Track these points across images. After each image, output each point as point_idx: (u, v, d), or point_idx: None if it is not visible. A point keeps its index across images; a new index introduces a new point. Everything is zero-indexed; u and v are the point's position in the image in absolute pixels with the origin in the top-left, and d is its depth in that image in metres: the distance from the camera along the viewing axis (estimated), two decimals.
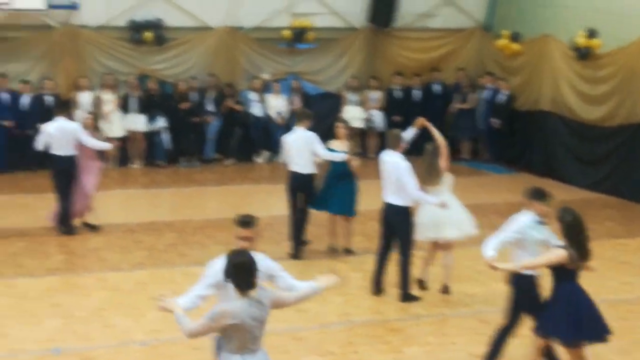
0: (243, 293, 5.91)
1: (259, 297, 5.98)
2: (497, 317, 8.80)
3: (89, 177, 13.49)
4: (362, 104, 20.18)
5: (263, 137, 19.73)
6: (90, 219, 13.74)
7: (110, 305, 10.36)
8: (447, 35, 20.97)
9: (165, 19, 19.06)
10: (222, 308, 5.92)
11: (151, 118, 18.83)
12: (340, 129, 12.53)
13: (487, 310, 10.29)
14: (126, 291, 10.88)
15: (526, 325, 8.37)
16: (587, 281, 7.97)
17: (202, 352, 8.69)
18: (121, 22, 18.89)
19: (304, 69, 20.38)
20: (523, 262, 7.89)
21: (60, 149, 13.19)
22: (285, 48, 20.15)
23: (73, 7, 18.43)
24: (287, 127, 19.00)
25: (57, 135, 13.18)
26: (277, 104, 19.66)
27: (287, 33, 19.74)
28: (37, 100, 18.02)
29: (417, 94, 20.60)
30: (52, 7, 18.16)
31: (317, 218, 12.93)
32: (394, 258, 10.81)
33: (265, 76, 19.89)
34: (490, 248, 8.07)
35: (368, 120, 20.04)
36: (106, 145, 13.82)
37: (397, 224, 10.60)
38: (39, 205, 14.76)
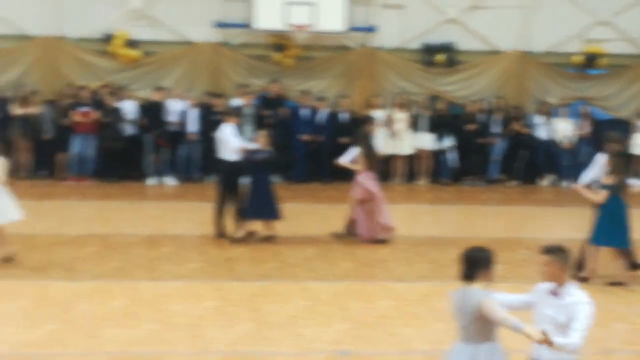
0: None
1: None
2: None
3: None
4: None
5: (548, 160, 19.77)
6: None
7: (395, 313, 10.89)
8: None
9: (458, 42, 19.62)
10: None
11: (439, 137, 19.45)
12: None
13: None
14: (410, 301, 11.39)
15: None
16: None
17: None
18: (415, 45, 19.70)
19: (593, 94, 20.21)
20: None
21: None
22: (575, 73, 20.09)
23: (370, 29, 19.47)
24: (572, 152, 18.96)
25: None
26: (564, 128, 19.63)
27: (578, 58, 19.72)
28: (332, 116, 19.16)
29: None
30: (351, 29, 19.30)
31: None
32: None
33: (553, 100, 19.92)
34: None
35: None
36: None
37: None
38: (330, 215, 15.77)
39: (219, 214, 14.20)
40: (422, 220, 16.58)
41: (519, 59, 19.91)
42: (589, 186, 12.49)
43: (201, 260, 13.08)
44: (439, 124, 19.47)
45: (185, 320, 10.43)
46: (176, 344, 9.71)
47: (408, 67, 19.82)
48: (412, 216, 16.89)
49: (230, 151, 13.91)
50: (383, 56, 19.74)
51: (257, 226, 14.28)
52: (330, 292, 11.70)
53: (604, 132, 17.98)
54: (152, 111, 18.70)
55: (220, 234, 14.19)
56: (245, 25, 19.31)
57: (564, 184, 19.57)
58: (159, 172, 18.89)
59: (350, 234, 14.38)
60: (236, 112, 14.92)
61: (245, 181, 13.99)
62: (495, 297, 6.55)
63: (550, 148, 19.66)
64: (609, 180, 12.06)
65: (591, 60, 19.78)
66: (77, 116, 18.24)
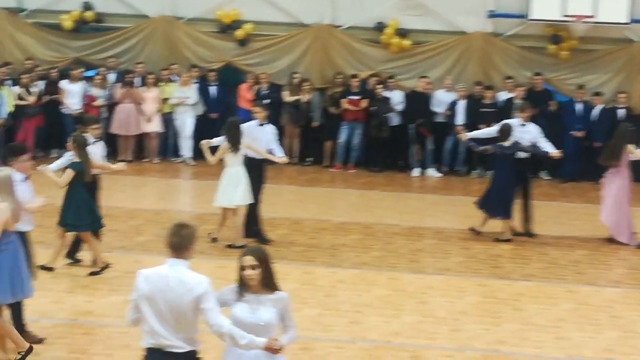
0: None
1: None
2: None
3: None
4: None
5: None
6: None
7: None
8: None
9: None
10: None
11: None
12: None
13: None
14: None
15: None
16: None
17: None
18: None
19: None
20: None
21: None
22: None
23: None
24: None
25: None
26: None
27: None
28: (608, 112, 18.21)
29: None
30: (634, 21, 18.22)
31: None
32: None
33: None
34: None
35: None
36: None
37: None
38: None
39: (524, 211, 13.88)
40: None
41: None
42: None
43: (464, 255, 12.80)
44: None
45: (445, 314, 10.24)
46: (436, 337, 9.53)
47: None
48: None
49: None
50: None
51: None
52: (600, 297, 11.09)
53: None
54: (417, 101, 18.58)
55: (527, 233, 13.82)
56: (520, 16, 18.74)
57: None
58: (423, 164, 18.74)
59: None
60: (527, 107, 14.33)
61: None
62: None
63: None
64: None
65: None
66: (346, 104, 18.45)
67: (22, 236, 8.41)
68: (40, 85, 18.25)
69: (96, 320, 9.57)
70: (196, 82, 18.93)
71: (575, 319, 10.26)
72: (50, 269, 10.85)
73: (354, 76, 18.68)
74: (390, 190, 17.08)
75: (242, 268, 5.90)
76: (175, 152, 19.10)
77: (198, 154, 18.29)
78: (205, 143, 12.48)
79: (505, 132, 13.33)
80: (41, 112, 17.87)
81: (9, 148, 9.44)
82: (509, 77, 18.66)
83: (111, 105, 18.68)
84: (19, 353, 8.12)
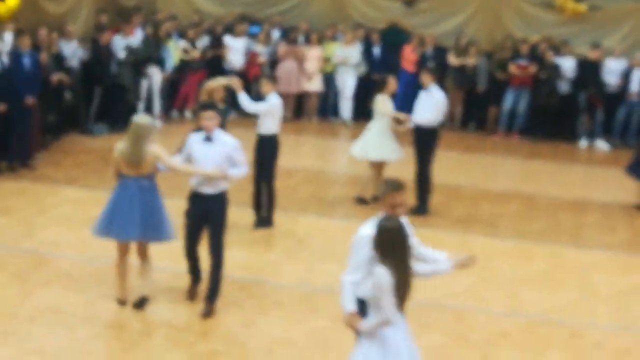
0: None
1: None
2: None
3: None
4: None
5: None
6: None
7: None
8: None
9: None
10: None
11: None
12: None
13: None
14: None
15: None
16: None
17: None
18: None
19: None
20: None
21: None
22: None
23: None
24: None
25: None
26: None
27: None
28: None
29: None
30: None
31: None
32: None
33: None
34: None
35: None
36: None
37: None
38: None
39: None
40: None
41: None
42: None
43: (631, 231, 12.14)
44: None
45: (608, 292, 9.72)
46: (597, 316, 9.05)
47: None
48: None
49: None
50: None
51: None
52: None
53: None
54: (588, 69, 17.73)
55: None
56: None
57: None
58: (591, 135, 17.92)
59: None
60: None
61: None
62: None
63: None
64: None
65: None
66: (514, 69, 17.82)
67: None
68: (205, 40, 18.44)
69: (252, 276, 9.57)
70: (360, 42, 18.71)
71: None
72: None
73: (524, 40, 18.00)
74: (555, 161, 16.42)
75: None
76: (335, 112, 18.99)
77: (358, 114, 18.21)
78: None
79: None
80: (204, 67, 18.06)
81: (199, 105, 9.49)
82: None
83: (273, 63, 18.70)
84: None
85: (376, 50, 18.76)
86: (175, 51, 17.68)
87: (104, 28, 16.67)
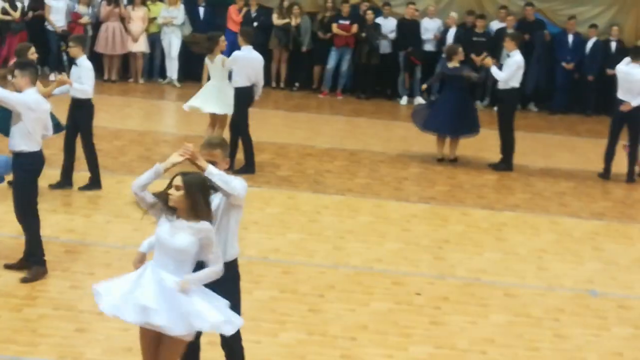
0: None
1: None
2: None
3: None
4: None
5: None
6: None
7: None
8: None
9: None
10: None
11: None
12: None
13: None
14: None
15: None
16: None
17: None
18: None
19: None
20: None
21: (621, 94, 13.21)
22: None
23: None
24: None
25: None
26: None
27: None
28: (600, 45, 18.03)
29: None
30: None
31: None
32: None
33: None
34: None
35: None
36: None
37: None
38: (589, 149, 14.98)
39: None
40: None
41: None
42: None
43: (449, 184, 12.76)
44: None
45: (429, 242, 10.24)
46: (419, 265, 9.53)
47: None
48: None
49: None
50: None
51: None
52: (582, 230, 11.09)
53: None
54: (407, 29, 18.32)
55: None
56: None
57: None
58: (411, 92, 18.57)
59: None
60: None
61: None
62: None
63: None
64: None
65: None
66: (336, 29, 18.20)
67: None
68: (25, 0, 17.91)
69: (78, 239, 9.53)
70: (184, 3, 18.63)
71: (557, 250, 10.28)
72: None
73: (345, 1, 18.39)
74: (377, 118, 16.95)
75: (170, 186, 5.78)
76: (162, 73, 18.87)
77: (184, 75, 18.19)
78: None
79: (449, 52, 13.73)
80: (25, 28, 17.56)
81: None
82: (503, 7, 18.42)
83: (97, 24, 18.38)
84: None
85: (201, 11, 18.73)
86: None
87: None
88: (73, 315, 7.76)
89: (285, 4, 18.49)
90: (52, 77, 16.95)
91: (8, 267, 8.51)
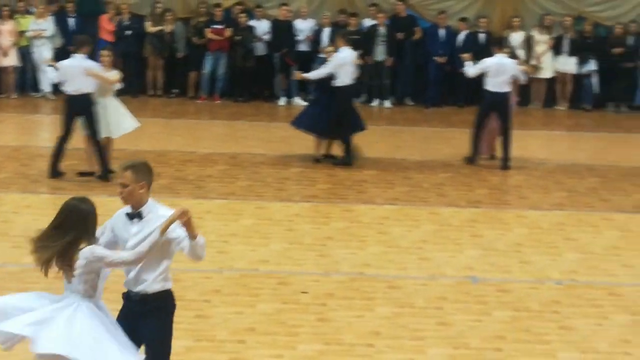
0: None
1: None
2: None
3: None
4: None
5: None
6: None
7: (528, 242, 10.53)
8: None
9: None
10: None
11: (582, 61, 18.56)
12: None
13: None
14: (544, 230, 11.00)
15: None
16: None
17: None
18: None
19: None
20: None
21: (492, 86, 13.59)
22: None
23: None
24: None
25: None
26: None
27: None
28: (470, 38, 18.50)
29: None
30: None
31: None
32: None
33: None
34: None
35: None
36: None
37: None
38: (464, 139, 15.33)
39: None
40: (560, 146, 15.96)
41: None
42: None
43: (330, 181, 12.90)
44: (582, 47, 18.55)
45: (312, 240, 10.33)
46: (304, 263, 9.61)
47: None
48: (549, 142, 16.32)
49: None
50: None
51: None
52: (461, 218, 11.38)
53: None
54: (281, 30, 18.43)
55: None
56: None
57: None
58: (289, 93, 18.69)
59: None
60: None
61: None
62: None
63: None
64: None
65: None
66: (210, 34, 18.17)
67: None
68: None
69: None
70: (53, 14, 18.30)
71: (437, 240, 10.51)
72: None
73: (217, 5, 18.38)
74: (256, 120, 17.01)
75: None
76: (35, 87, 18.49)
77: (57, 87, 17.84)
78: None
79: None
80: None
81: None
82: (373, 4, 18.70)
83: None
84: None
85: (71, 21, 18.43)
86: None
87: None
88: None
89: (158, 10, 18.36)
90: None
91: None
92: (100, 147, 12.19)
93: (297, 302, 8.60)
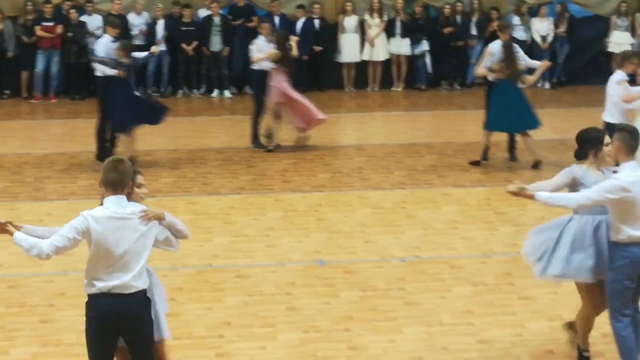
0: None
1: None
2: None
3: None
4: (631, 29, 19.37)
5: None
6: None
7: (372, 222, 10.74)
8: None
9: None
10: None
11: (415, 42, 19.01)
12: None
13: None
14: (387, 209, 11.24)
15: None
16: None
17: (460, 270, 9.00)
18: None
19: None
20: None
21: None
22: None
23: None
24: (550, 52, 18.68)
25: None
26: (541, 28, 19.25)
27: None
28: (307, 24, 18.61)
29: None
30: None
31: None
32: None
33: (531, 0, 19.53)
34: None
35: (635, 46, 19.09)
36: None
37: None
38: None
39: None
40: (399, 127, 16.30)
41: None
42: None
43: (174, 175, 12.79)
44: (414, 28, 19.01)
45: None
46: (150, 259, 9.46)
47: None
48: (387, 123, 16.62)
49: None
50: None
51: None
52: (305, 203, 11.51)
53: (579, 32, 17.96)
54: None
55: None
56: None
57: (546, 84, 19.41)
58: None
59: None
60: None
61: None
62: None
63: (528, 49, 19.27)
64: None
65: None
66: (40, 31, 17.65)
67: None
68: None
69: None
70: None
71: (284, 226, 10.61)
72: None
73: (47, 2, 17.86)
74: (95, 118, 16.59)
75: None
76: None
77: None
78: None
79: None
80: None
81: None
82: None
83: None
84: None
85: None
86: None
87: None
88: None
89: None
90: None
91: None
92: None
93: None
